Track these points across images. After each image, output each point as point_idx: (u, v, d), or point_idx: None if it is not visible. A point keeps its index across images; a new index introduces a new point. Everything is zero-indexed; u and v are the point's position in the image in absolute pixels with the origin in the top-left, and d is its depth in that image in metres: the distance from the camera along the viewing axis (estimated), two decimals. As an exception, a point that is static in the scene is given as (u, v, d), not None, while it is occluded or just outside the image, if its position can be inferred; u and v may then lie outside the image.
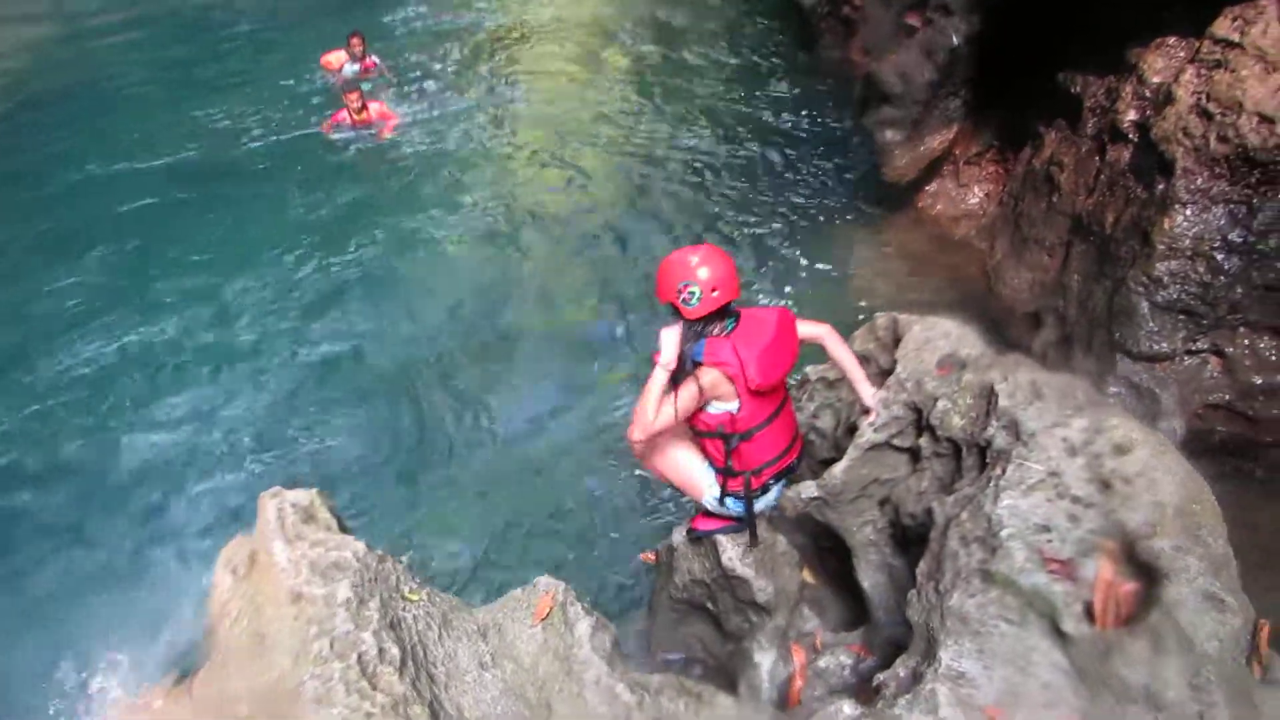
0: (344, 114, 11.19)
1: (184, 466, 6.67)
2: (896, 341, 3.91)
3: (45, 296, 8.67)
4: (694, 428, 3.75)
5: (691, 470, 3.81)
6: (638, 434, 3.58)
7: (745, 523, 3.71)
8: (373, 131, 11.28)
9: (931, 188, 8.18)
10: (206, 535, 6.01)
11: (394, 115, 11.55)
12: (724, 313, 3.56)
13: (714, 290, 3.46)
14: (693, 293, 3.47)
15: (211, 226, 9.80)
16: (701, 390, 3.50)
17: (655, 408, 3.51)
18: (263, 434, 6.92)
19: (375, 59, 12.79)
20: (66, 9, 18.78)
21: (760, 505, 3.76)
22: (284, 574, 3.56)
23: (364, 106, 11.13)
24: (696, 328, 3.53)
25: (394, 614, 3.60)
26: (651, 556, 4.45)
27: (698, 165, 10.08)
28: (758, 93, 11.44)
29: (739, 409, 3.54)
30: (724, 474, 3.69)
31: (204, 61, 14.80)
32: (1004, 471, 3.00)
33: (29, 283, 8.86)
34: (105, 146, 11.78)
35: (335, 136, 11.27)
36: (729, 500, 3.73)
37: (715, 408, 3.58)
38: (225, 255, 9.23)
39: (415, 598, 3.73)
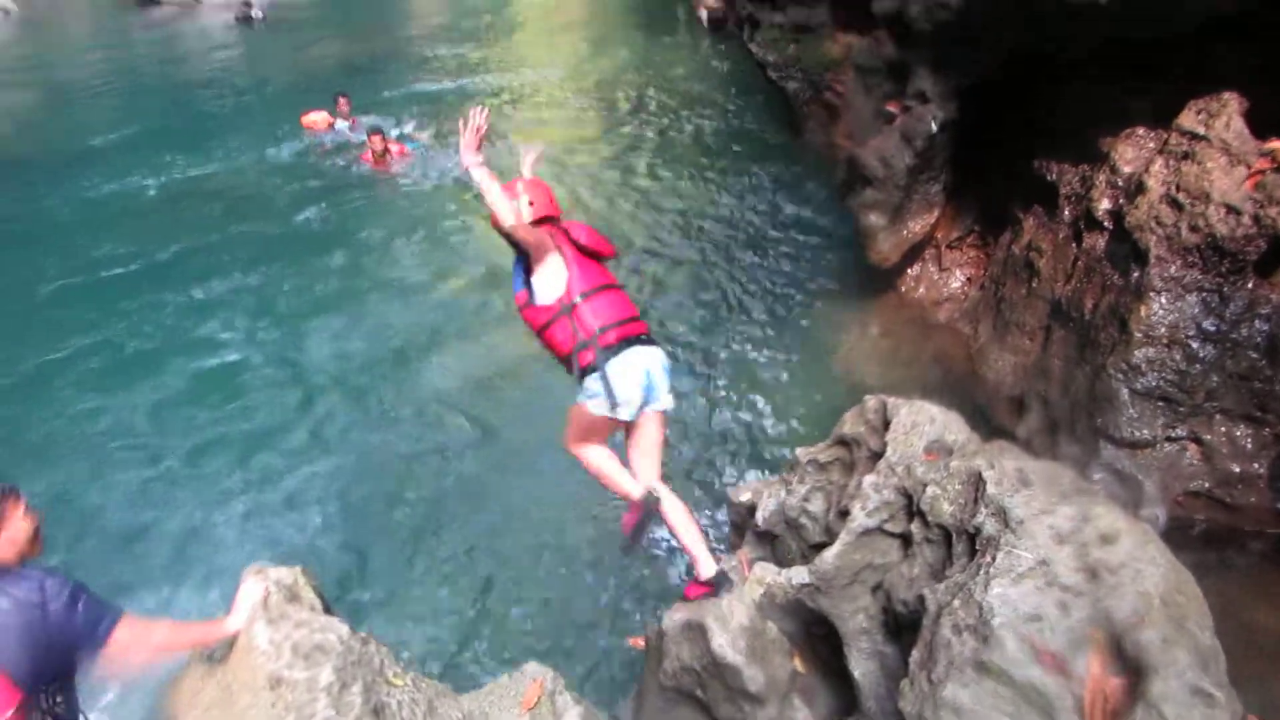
0: (368, 155, 12.66)
1: (158, 533, 6.61)
2: (886, 425, 3.95)
3: (31, 349, 8.87)
4: (540, 335, 4.32)
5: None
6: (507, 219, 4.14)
7: (608, 395, 4.09)
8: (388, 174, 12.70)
9: (914, 271, 8.31)
10: (173, 611, 5.89)
11: (406, 151, 13.07)
12: (545, 222, 4.35)
13: (531, 204, 4.32)
14: (523, 203, 4.30)
15: (191, 276, 10.16)
16: (531, 202, 4.35)
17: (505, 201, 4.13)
18: (242, 503, 6.86)
19: (358, 118, 14.11)
20: (45, 76, 19.27)
21: (635, 380, 4.12)
22: (264, 657, 3.50)
23: (386, 149, 12.55)
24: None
25: (377, 699, 3.53)
26: (640, 642, 4.41)
27: (680, 240, 10.25)
28: (743, 172, 11.70)
29: (568, 275, 4.17)
30: (580, 354, 4.13)
31: (186, 123, 15.51)
32: (994, 559, 3.02)
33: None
34: (86, 203, 12.47)
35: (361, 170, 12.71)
36: (589, 382, 4.13)
37: (546, 287, 4.21)
38: (212, 305, 9.57)
39: (400, 683, 3.67)
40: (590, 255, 4.38)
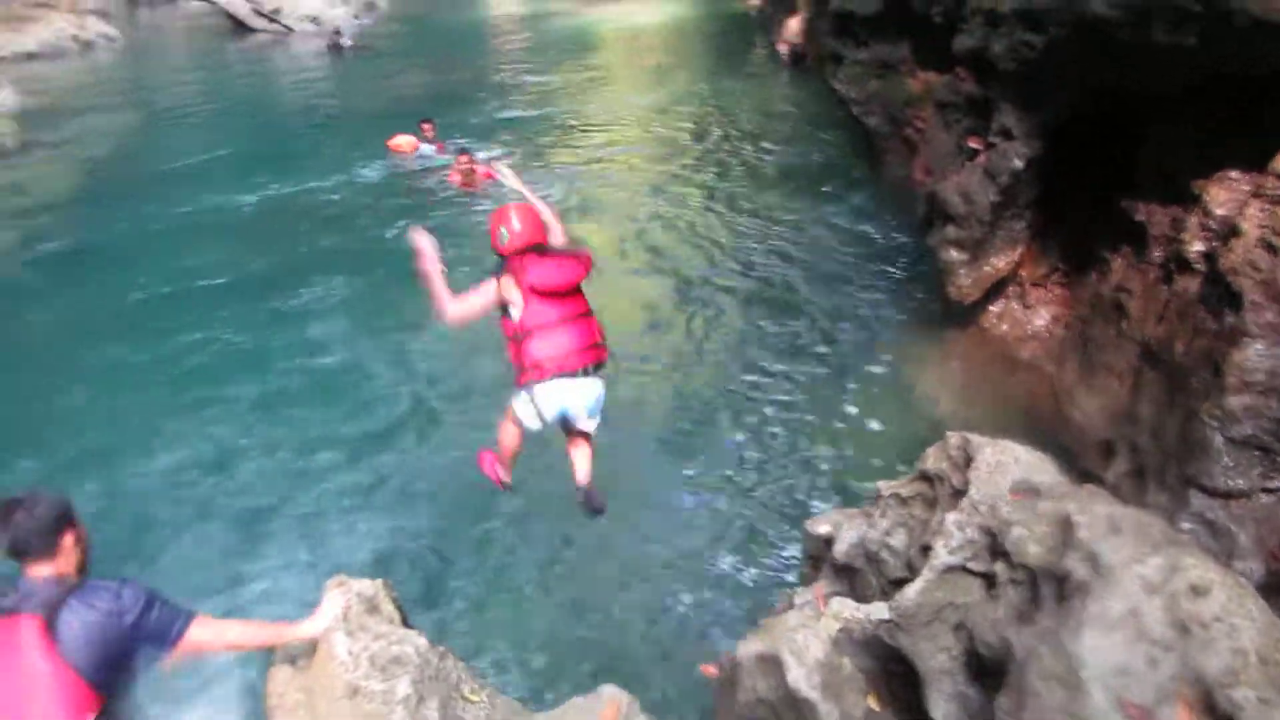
0: (455, 175, 13.17)
1: (248, 542, 6.80)
2: (968, 462, 3.87)
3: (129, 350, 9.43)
4: (505, 335, 5.14)
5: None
6: (447, 312, 5.12)
7: (529, 409, 5.03)
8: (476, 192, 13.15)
9: (996, 308, 8.19)
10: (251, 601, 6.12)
11: (489, 170, 13.13)
12: (528, 250, 5.05)
13: (517, 232, 5.06)
14: (502, 234, 5.08)
15: (282, 287, 10.69)
16: (498, 286, 5.09)
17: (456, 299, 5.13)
18: (327, 509, 7.07)
19: (443, 143, 14.64)
20: (147, 100, 20.17)
21: (552, 406, 5.03)
22: (343, 667, 3.55)
23: (473, 170, 12.98)
24: (503, 257, 5.11)
25: (453, 715, 3.56)
26: (714, 669, 4.36)
27: (757, 268, 10.26)
28: (821, 204, 11.69)
29: (520, 313, 4.97)
30: (519, 374, 5.04)
31: (279, 145, 16.23)
32: (1084, 606, 2.93)
33: (114, 349, 9.52)
34: (183, 218, 13.14)
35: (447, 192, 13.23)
36: (522, 394, 5.04)
37: (511, 312, 5.05)
38: (298, 320, 9.98)
39: (475, 698, 3.70)
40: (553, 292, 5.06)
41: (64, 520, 3.07)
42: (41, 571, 2.97)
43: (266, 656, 3.90)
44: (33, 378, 9.09)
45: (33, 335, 10.01)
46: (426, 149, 14.63)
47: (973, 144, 8.49)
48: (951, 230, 8.12)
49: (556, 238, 5.37)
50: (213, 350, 9.46)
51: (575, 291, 5.14)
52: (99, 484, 7.35)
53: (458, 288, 5.13)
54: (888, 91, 12.06)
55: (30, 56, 25.25)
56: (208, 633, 3.18)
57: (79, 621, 2.86)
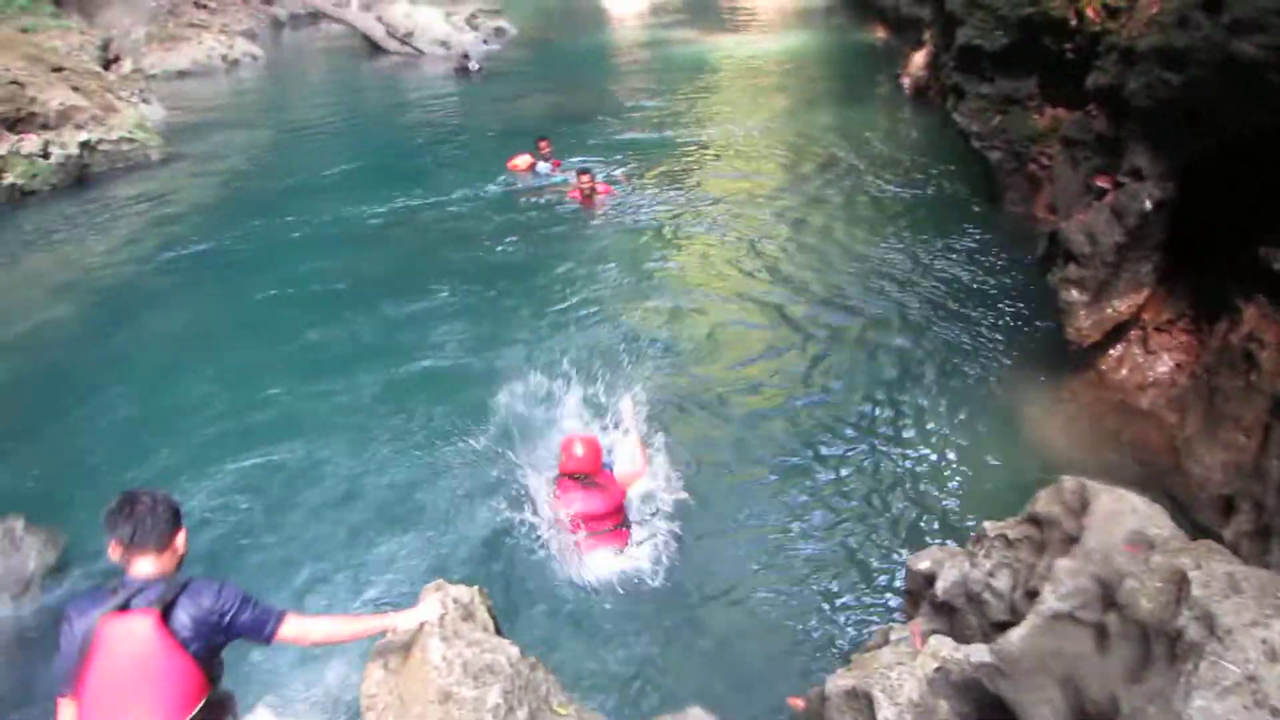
0: (577, 192, 13.60)
1: (352, 538, 7.06)
2: (1083, 508, 3.74)
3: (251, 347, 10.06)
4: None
5: None
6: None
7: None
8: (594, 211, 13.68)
9: (1116, 352, 7.90)
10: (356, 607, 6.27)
11: (612, 190, 14.01)
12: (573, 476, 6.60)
13: (576, 457, 6.59)
14: (561, 456, 6.68)
15: (404, 294, 11.18)
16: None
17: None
18: (427, 510, 7.25)
19: (559, 160, 15.09)
20: (281, 116, 21.18)
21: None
22: (436, 672, 3.61)
23: (593, 188, 13.46)
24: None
25: (542, 727, 3.59)
26: (800, 703, 4.30)
27: (869, 299, 10.15)
28: (937, 238, 11.50)
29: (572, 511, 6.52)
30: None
31: (405, 161, 16.93)
32: (1197, 668, 2.80)
33: (241, 348, 10.09)
34: (312, 228, 13.84)
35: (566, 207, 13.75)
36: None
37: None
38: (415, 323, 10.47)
39: (564, 712, 3.72)
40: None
41: (178, 518, 3.26)
42: (146, 568, 3.19)
43: (366, 653, 4.02)
44: (166, 373, 9.63)
45: (168, 333, 10.60)
46: (543, 167, 15.06)
47: (1101, 183, 8.24)
48: (1073, 270, 7.88)
49: (628, 466, 6.89)
50: (333, 351, 9.92)
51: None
52: (222, 476, 7.74)
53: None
54: (1012, 126, 11.81)
55: (181, 74, 26.67)
56: (298, 629, 3.39)
57: (188, 616, 3.12)
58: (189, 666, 3.12)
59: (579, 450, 6.56)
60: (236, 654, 3.63)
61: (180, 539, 3.29)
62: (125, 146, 17.44)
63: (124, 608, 3.07)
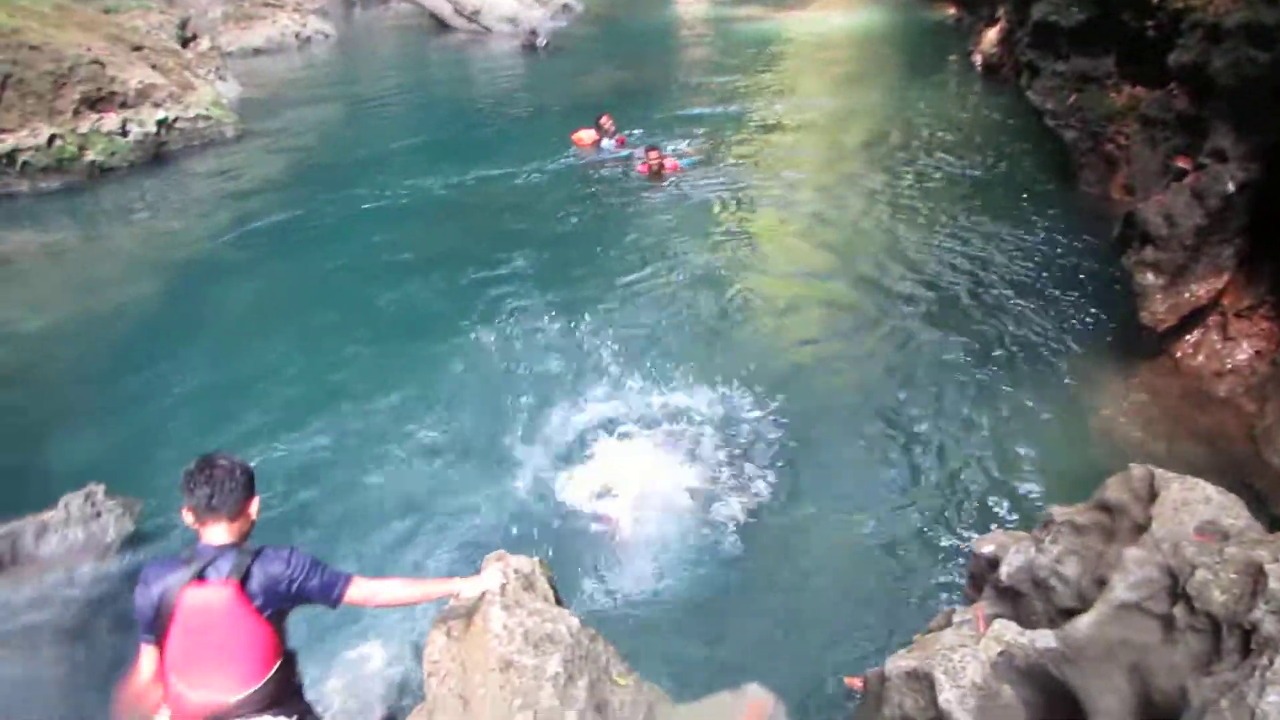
0: (645, 167, 13.81)
1: (421, 502, 7.23)
2: (1153, 497, 3.66)
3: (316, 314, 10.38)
4: None
5: None
6: None
7: None
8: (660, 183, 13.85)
9: (1193, 338, 7.69)
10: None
11: (679, 166, 14.11)
12: None
13: None
14: None
15: (469, 263, 11.47)
16: None
17: None
18: (488, 485, 7.35)
19: (623, 136, 15.27)
20: (351, 92, 21.51)
21: None
22: (497, 640, 3.66)
23: (661, 163, 13.65)
24: None
25: (601, 696, 3.62)
26: (858, 682, 4.28)
27: (935, 280, 10.03)
28: (1008, 218, 11.30)
29: None
30: None
31: (472, 135, 17.29)
32: (1271, 662, 2.73)
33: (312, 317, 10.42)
34: (381, 200, 14.19)
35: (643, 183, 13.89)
36: None
37: None
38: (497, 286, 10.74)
39: (624, 682, 3.75)
40: None
41: (252, 486, 3.35)
42: (219, 535, 3.29)
43: (428, 621, 4.10)
44: (241, 343, 9.93)
45: (243, 305, 10.92)
46: (607, 143, 15.22)
47: (1181, 163, 8.02)
48: (1150, 253, 7.68)
49: None
50: (403, 320, 10.18)
51: None
52: (295, 442, 7.98)
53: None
54: (1088, 105, 11.53)
55: (256, 52, 27.20)
56: (365, 591, 3.49)
57: (259, 585, 3.24)
58: (265, 631, 3.26)
59: None
60: (301, 618, 3.73)
61: (253, 507, 3.37)
62: (201, 124, 17.82)
63: (200, 577, 3.18)
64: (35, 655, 5.83)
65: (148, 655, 3.33)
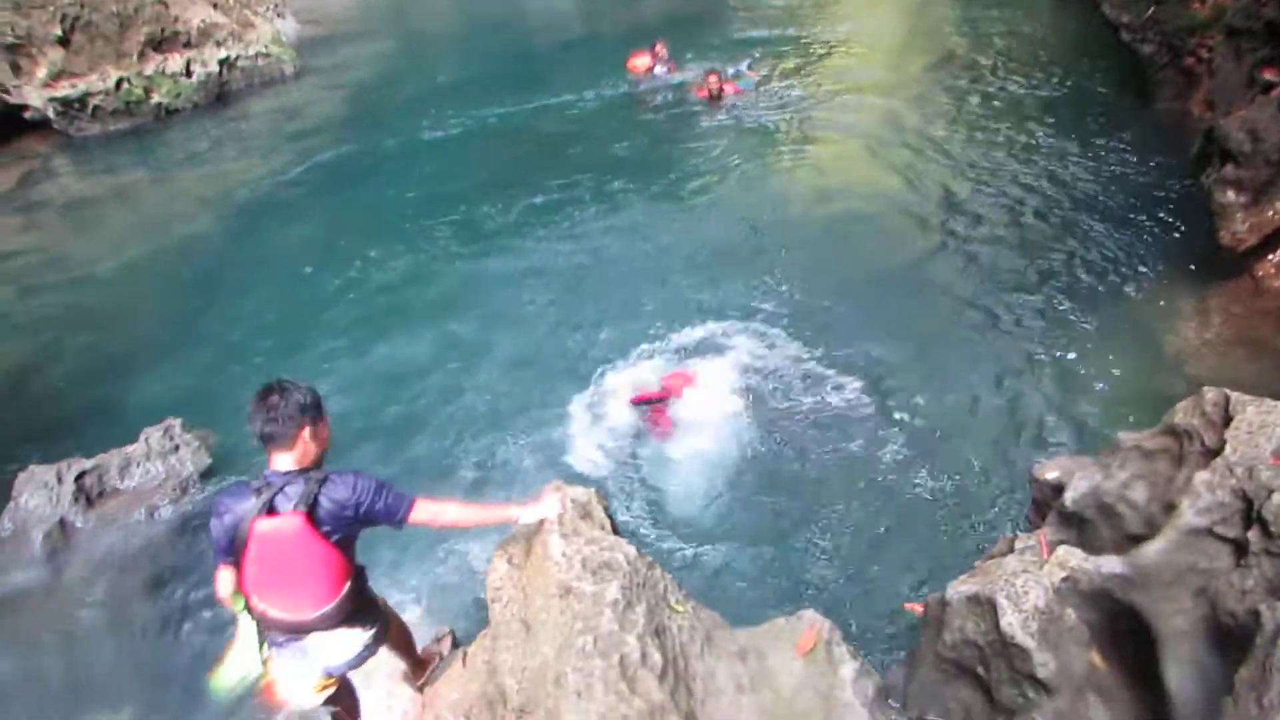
0: (705, 91, 13.80)
1: (472, 432, 7.35)
2: (1226, 421, 3.55)
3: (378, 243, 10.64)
4: None
5: None
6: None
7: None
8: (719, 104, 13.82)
9: (1276, 257, 7.38)
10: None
11: (735, 87, 14.12)
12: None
13: None
14: None
15: (528, 189, 11.62)
16: None
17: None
18: (545, 416, 7.42)
19: (675, 63, 15.28)
20: (406, 26, 21.44)
21: None
22: (556, 567, 3.72)
23: (721, 87, 13.69)
24: None
25: (659, 622, 3.66)
26: (919, 608, 4.27)
27: (1001, 202, 9.80)
28: (1078, 136, 10.93)
29: None
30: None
31: (525, 66, 17.32)
32: (1351, 583, 2.66)
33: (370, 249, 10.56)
34: (435, 132, 14.33)
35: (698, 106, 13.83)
36: None
37: None
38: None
39: (681, 609, 3.79)
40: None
41: (308, 411, 3.40)
42: (283, 462, 3.38)
43: (490, 549, 4.18)
44: (305, 276, 10.14)
45: (306, 239, 11.12)
46: (660, 69, 15.12)
47: (1269, 75, 7.66)
48: (1231, 170, 7.36)
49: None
50: (462, 249, 10.32)
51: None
52: (358, 371, 8.19)
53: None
54: (1167, 17, 11.02)
55: (312, -13, 27.20)
56: (428, 513, 3.55)
57: (327, 512, 3.33)
58: (335, 555, 3.38)
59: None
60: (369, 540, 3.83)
61: (306, 433, 3.41)
62: (261, 62, 17.94)
63: (271, 508, 3.28)
64: (122, 584, 6.10)
65: (226, 573, 3.51)
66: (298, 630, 3.49)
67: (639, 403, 7.17)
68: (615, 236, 10.03)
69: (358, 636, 3.64)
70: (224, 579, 3.53)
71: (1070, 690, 3.34)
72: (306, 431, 3.39)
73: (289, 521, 3.26)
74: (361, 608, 3.62)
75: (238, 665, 3.69)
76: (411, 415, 7.55)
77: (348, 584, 3.46)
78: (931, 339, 7.74)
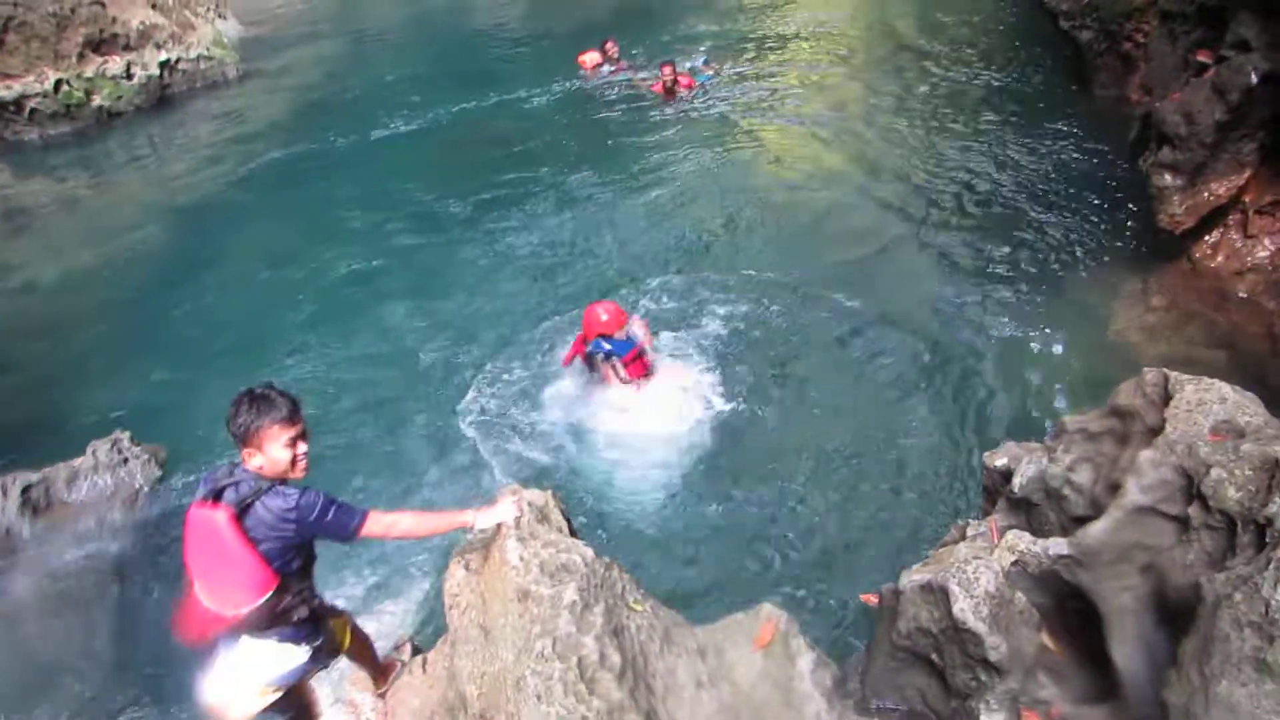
0: (659, 85, 13.82)
1: (430, 434, 7.30)
2: (1166, 400, 3.63)
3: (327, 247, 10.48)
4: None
5: None
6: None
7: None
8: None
9: (1212, 238, 7.54)
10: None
11: (693, 83, 14.09)
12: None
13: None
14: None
15: (480, 186, 11.55)
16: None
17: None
18: (504, 416, 7.36)
19: (624, 61, 15.37)
20: (351, 25, 21.24)
21: None
22: (514, 572, 3.71)
23: (676, 80, 13.68)
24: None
25: (618, 622, 3.67)
26: (874, 598, 4.32)
27: (947, 189, 9.94)
28: (1020, 123, 11.12)
29: None
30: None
31: (474, 65, 17.16)
32: (1287, 554, 2.73)
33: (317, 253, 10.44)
34: (382, 132, 14.21)
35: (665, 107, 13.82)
36: None
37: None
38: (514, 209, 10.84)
39: (639, 608, 3.79)
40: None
41: (276, 419, 3.36)
42: (254, 461, 3.38)
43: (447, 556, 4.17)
44: (252, 283, 10.04)
45: (252, 245, 10.97)
46: (606, 68, 15.24)
47: (1202, 57, 7.77)
48: (1167, 153, 7.49)
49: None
50: (412, 249, 10.25)
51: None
52: (311, 379, 8.07)
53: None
54: (1104, 3, 11.18)
55: (254, -12, 26.82)
56: (381, 526, 3.54)
57: (259, 519, 3.34)
58: (254, 562, 3.35)
59: (603, 315, 7.04)
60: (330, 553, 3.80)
61: (280, 438, 3.38)
62: (203, 64, 17.68)
63: (217, 497, 3.32)
64: (70, 592, 6.01)
65: None
66: (228, 627, 3.49)
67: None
68: (570, 228, 10.06)
69: (290, 652, 3.63)
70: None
71: (1021, 670, 3.40)
72: (278, 438, 3.39)
73: (215, 515, 3.28)
74: (287, 622, 3.58)
75: None
76: (364, 415, 7.52)
77: (269, 594, 3.41)
78: (879, 328, 7.82)
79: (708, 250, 9.34)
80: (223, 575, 3.37)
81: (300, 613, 3.61)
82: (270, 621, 3.49)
